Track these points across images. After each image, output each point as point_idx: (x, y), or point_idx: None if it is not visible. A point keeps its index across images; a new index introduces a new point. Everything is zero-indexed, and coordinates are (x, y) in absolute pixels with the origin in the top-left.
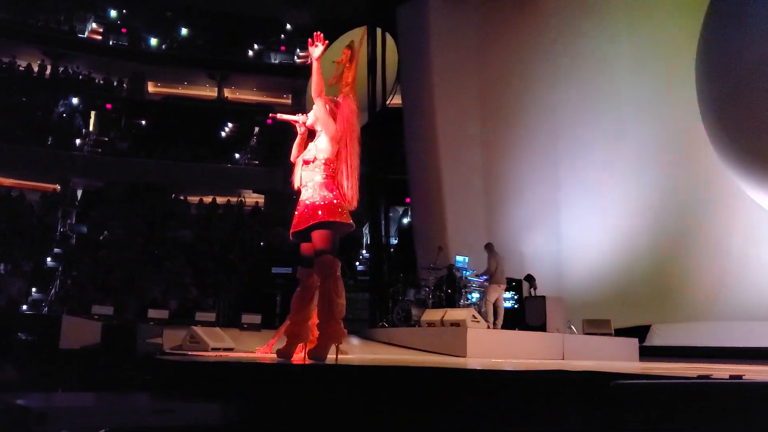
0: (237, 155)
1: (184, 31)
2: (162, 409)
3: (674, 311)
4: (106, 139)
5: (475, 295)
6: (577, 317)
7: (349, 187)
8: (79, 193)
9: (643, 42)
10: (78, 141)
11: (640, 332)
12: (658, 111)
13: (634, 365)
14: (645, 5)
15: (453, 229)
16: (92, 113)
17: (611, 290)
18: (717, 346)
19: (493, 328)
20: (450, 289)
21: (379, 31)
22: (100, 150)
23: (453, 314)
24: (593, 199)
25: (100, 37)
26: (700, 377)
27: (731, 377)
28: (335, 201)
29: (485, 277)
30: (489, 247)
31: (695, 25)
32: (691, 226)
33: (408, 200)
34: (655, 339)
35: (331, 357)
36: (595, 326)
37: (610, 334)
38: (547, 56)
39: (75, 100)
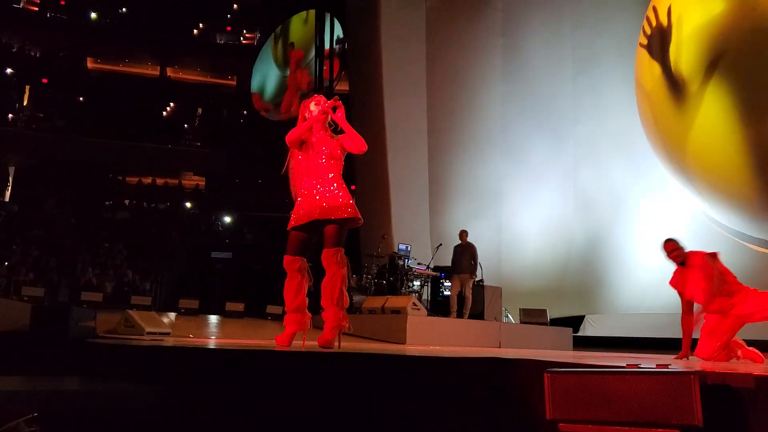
0: (178, 136)
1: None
2: (92, 393)
3: (607, 303)
4: (41, 114)
5: (416, 283)
6: (515, 306)
7: None
8: (12, 170)
9: (586, 39)
10: (11, 116)
11: (574, 323)
12: (597, 108)
13: (568, 354)
14: (591, 1)
15: (397, 217)
16: (27, 87)
17: (548, 281)
18: (647, 337)
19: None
20: (392, 277)
21: (327, 15)
22: (34, 126)
23: (394, 301)
24: (534, 192)
25: (36, 9)
26: (629, 366)
27: (658, 366)
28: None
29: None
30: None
31: (638, 22)
32: (624, 221)
33: (353, 187)
34: (588, 329)
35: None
36: (531, 316)
37: (545, 324)
38: (494, 50)
39: (9, 72)
